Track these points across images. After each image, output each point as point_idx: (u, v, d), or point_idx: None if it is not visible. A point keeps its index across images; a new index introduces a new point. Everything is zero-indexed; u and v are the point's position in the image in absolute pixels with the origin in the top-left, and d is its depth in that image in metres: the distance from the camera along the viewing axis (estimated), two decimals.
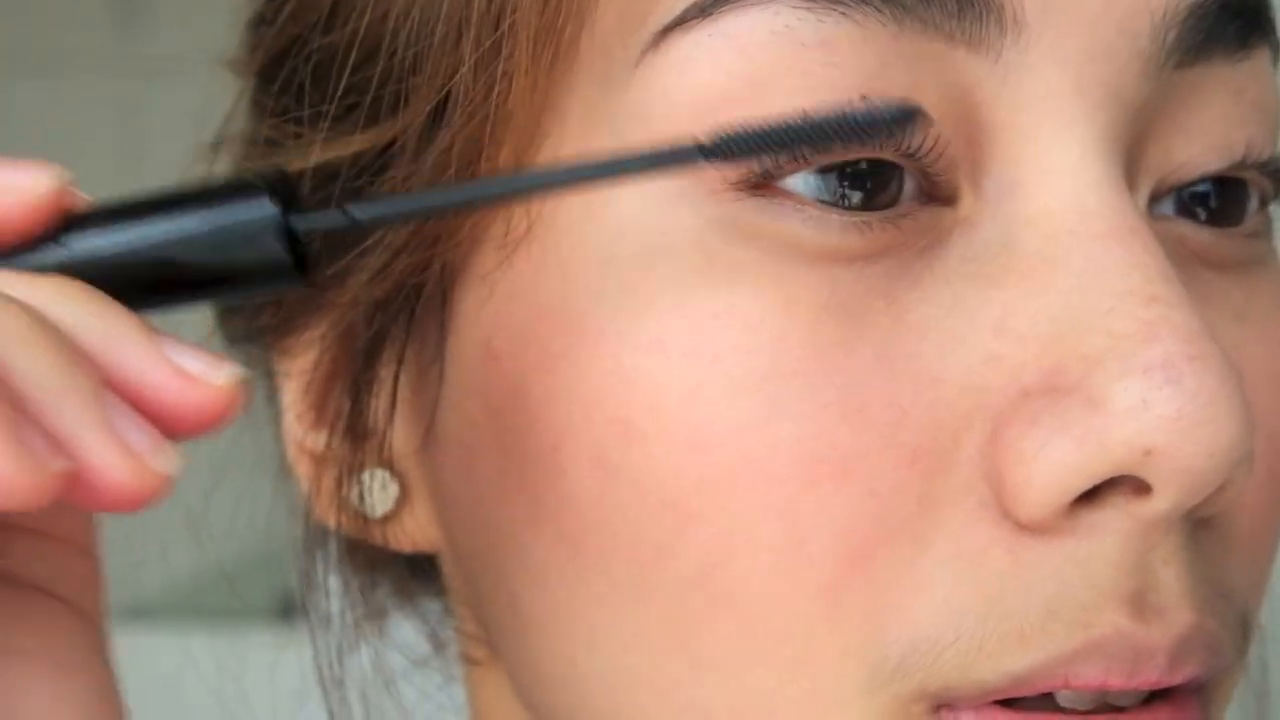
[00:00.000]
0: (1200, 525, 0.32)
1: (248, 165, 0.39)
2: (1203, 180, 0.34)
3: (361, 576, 0.43)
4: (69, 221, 0.28)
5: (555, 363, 0.32)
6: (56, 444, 0.25)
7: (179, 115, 0.41)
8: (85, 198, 0.29)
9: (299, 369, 0.38)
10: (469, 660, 0.41)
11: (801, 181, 0.31)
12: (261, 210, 0.28)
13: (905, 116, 0.29)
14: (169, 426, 0.27)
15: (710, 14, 0.31)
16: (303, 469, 0.38)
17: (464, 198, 0.30)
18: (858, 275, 0.31)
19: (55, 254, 0.28)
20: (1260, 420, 0.33)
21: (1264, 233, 0.36)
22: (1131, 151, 0.33)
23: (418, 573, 0.44)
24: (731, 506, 0.31)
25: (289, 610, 0.42)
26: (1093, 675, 0.31)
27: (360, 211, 0.29)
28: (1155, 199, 0.34)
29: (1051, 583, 0.31)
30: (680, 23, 0.31)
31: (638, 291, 0.32)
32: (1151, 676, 0.31)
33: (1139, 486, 0.30)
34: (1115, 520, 0.31)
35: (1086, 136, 0.32)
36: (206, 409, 0.27)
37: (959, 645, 0.31)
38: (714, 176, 0.31)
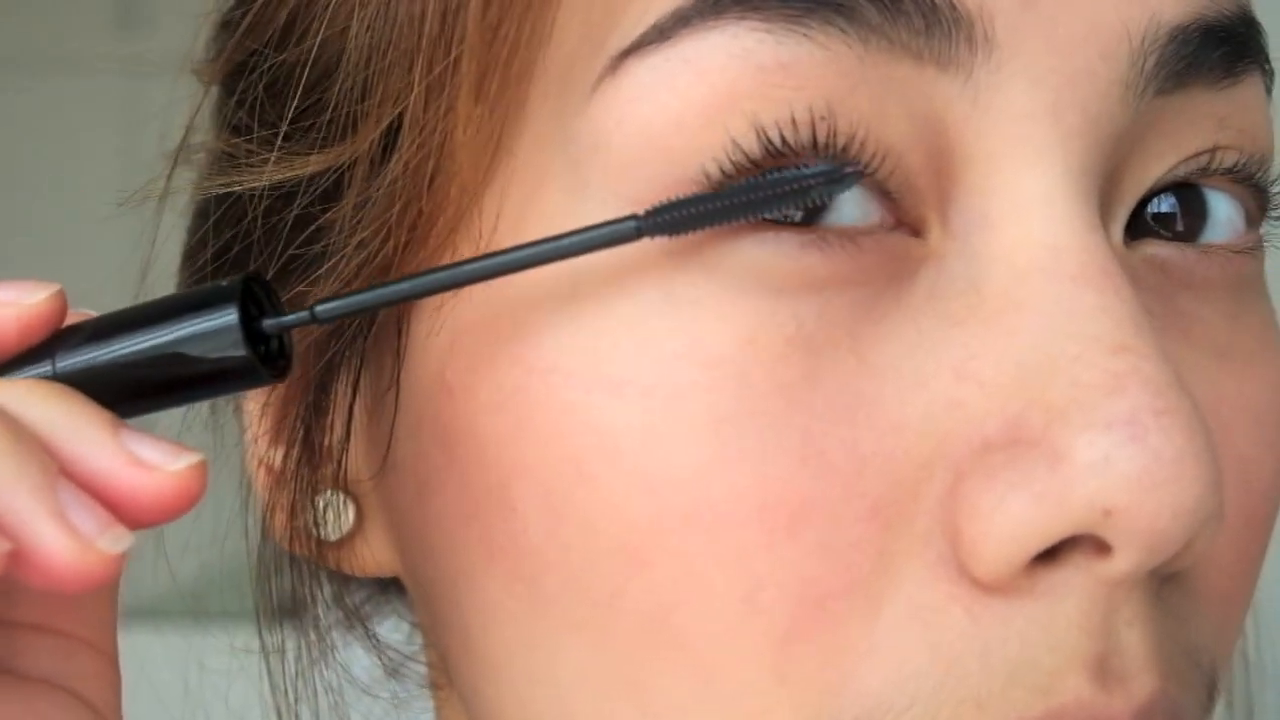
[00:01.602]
0: (1167, 581, 0.31)
1: (208, 180, 0.39)
2: (1163, 192, 0.33)
3: (331, 589, 0.43)
4: (58, 336, 0.31)
5: (508, 399, 0.32)
6: (1, 527, 0.26)
7: (179, 116, 0.41)
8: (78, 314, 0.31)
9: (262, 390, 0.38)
10: (434, 684, 0.41)
11: None
12: (227, 317, 0.30)
13: (838, 177, 0.29)
14: (127, 512, 0.28)
15: (668, 38, 0.30)
16: (260, 485, 0.38)
17: (419, 287, 0.31)
18: (821, 308, 0.30)
19: (42, 369, 0.30)
20: (1236, 466, 0.32)
21: (1251, 252, 0.35)
22: (1108, 182, 0.32)
23: (386, 590, 0.44)
24: (685, 552, 0.30)
25: (297, 611, 0.42)
26: None
27: (323, 308, 0.31)
28: (1130, 225, 0.33)
29: (1012, 645, 0.30)
30: (637, 48, 0.31)
31: (594, 329, 0.31)
32: None
33: (1100, 545, 0.29)
34: (1076, 580, 0.30)
35: (1059, 166, 0.31)
36: (162, 494, 0.28)
37: (913, 712, 0.30)
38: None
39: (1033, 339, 0.30)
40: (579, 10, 0.32)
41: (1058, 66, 0.31)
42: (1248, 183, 0.34)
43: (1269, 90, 0.35)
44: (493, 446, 0.32)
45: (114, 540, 0.27)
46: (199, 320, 0.30)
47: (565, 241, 0.30)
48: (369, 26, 0.33)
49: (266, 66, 0.36)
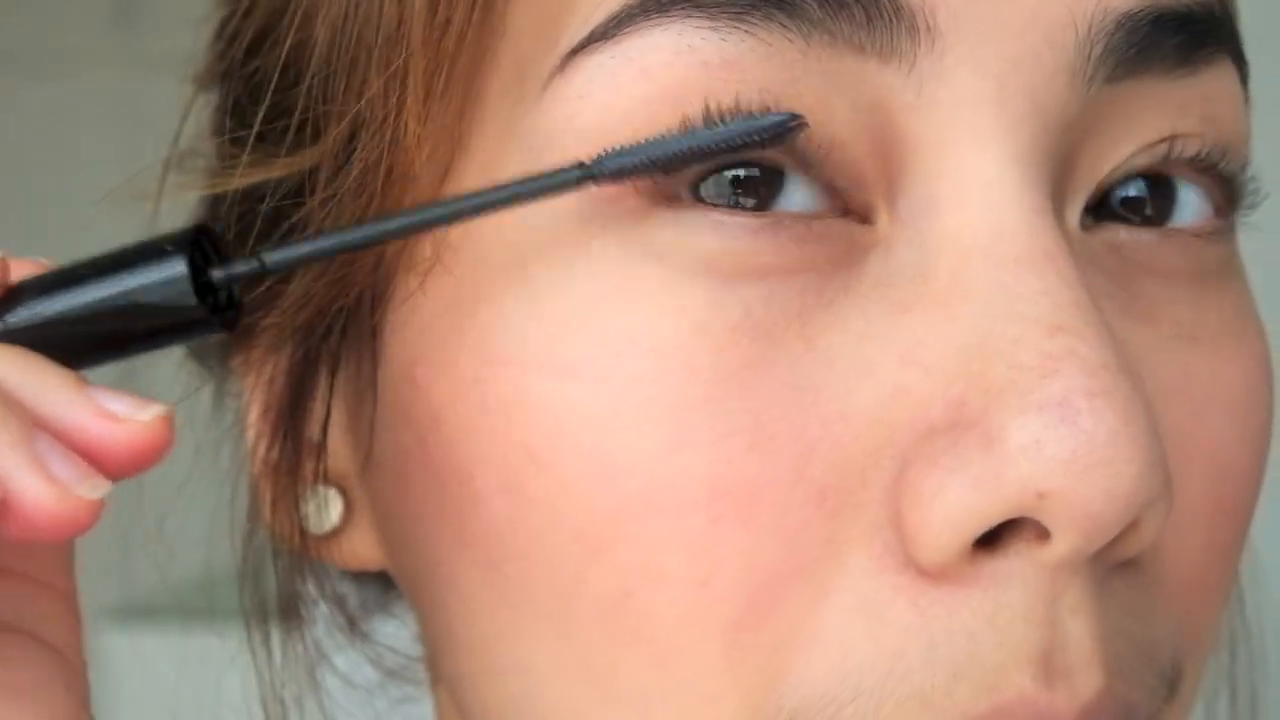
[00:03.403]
0: (1121, 570, 0.31)
1: (209, 180, 0.39)
2: (1131, 179, 0.33)
3: (327, 588, 0.43)
4: (8, 294, 0.31)
5: (468, 388, 0.32)
6: None
7: (178, 113, 0.41)
8: (25, 263, 0.32)
9: (250, 384, 0.38)
10: (432, 679, 0.41)
11: (711, 186, 0.31)
12: (175, 268, 0.30)
13: (784, 126, 0.29)
14: (101, 464, 0.29)
15: (612, 37, 0.31)
16: (255, 479, 0.39)
17: (368, 235, 0.31)
18: (770, 293, 0.30)
19: None
20: (1206, 450, 0.32)
21: (1218, 237, 0.34)
22: (1061, 168, 0.32)
23: (389, 590, 0.44)
24: (640, 537, 0.30)
25: (289, 611, 0.42)
26: None
27: (272, 256, 0.31)
28: (1090, 209, 0.33)
29: (958, 640, 0.30)
30: (585, 46, 0.31)
31: (548, 316, 0.31)
32: None
33: (1040, 530, 0.29)
34: (1019, 566, 0.30)
35: (1006, 152, 0.31)
36: (134, 444, 0.29)
37: (856, 705, 0.30)
38: (624, 192, 0.31)
39: (974, 322, 0.30)
40: (530, 9, 0.32)
41: (1001, 54, 0.31)
42: (1211, 172, 0.34)
43: (1244, 80, 0.35)
44: (458, 436, 0.33)
45: (93, 487, 0.28)
46: (148, 272, 0.30)
47: (509, 190, 0.30)
48: (331, 29, 0.34)
49: (244, 72, 0.37)
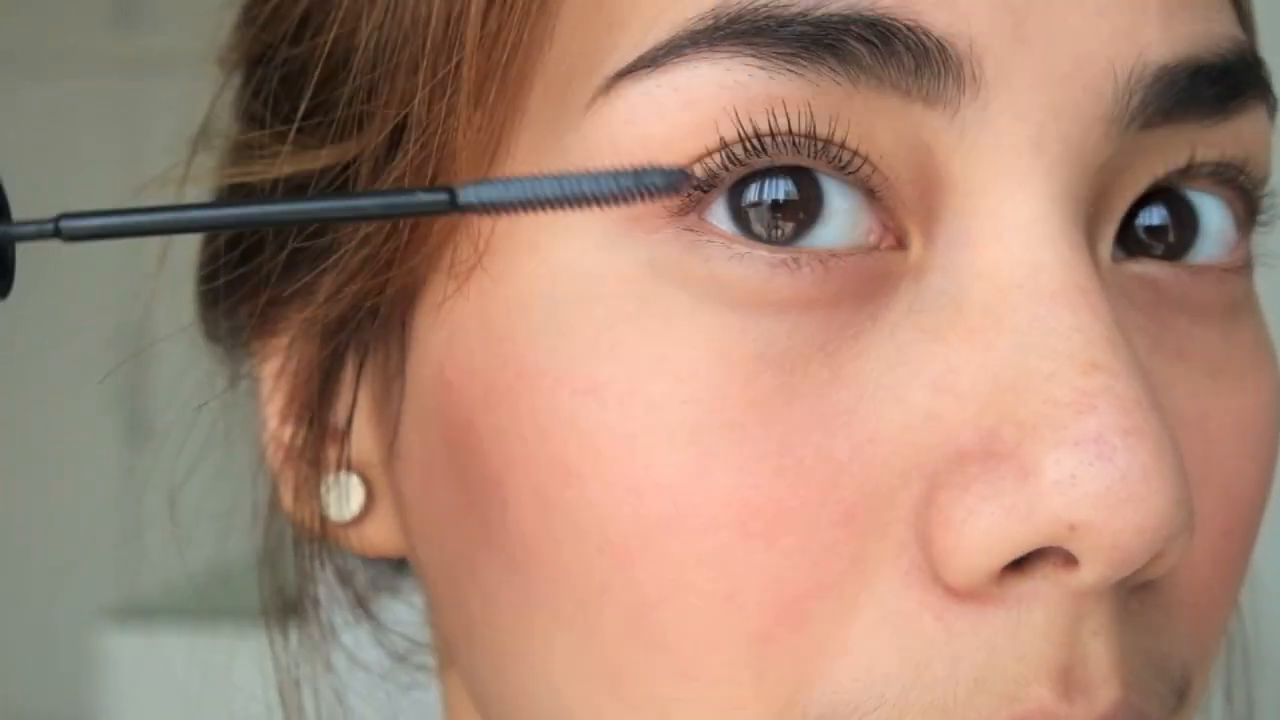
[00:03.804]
0: (1138, 590, 0.32)
1: (225, 169, 0.39)
2: (1152, 201, 0.34)
3: (339, 576, 0.43)
4: None
5: (500, 398, 0.32)
6: None
7: (178, 113, 0.41)
8: None
9: (272, 371, 0.38)
10: (442, 664, 0.41)
11: (726, 216, 0.31)
12: None
13: (670, 180, 0.28)
14: None
15: (661, 65, 0.31)
16: (274, 465, 0.39)
17: (181, 220, 0.29)
18: (792, 327, 0.31)
19: None
20: (1217, 476, 0.33)
21: (1243, 272, 0.35)
22: (1094, 207, 0.32)
23: (398, 572, 0.44)
24: (666, 553, 0.31)
25: (290, 610, 0.43)
26: None
27: (70, 224, 0.29)
28: (1120, 241, 0.33)
29: (981, 654, 0.30)
30: (631, 71, 0.31)
31: (576, 334, 0.32)
32: None
33: (1068, 557, 0.30)
34: (1044, 589, 0.30)
35: (1043, 192, 0.31)
36: None
37: (879, 714, 0.31)
38: (652, 214, 0.31)
39: (1009, 354, 0.30)
40: (579, 25, 0.32)
41: (1043, 102, 0.31)
42: (1232, 184, 0.35)
43: (1272, 118, 0.35)
44: (488, 443, 0.33)
45: None
46: None
47: (367, 201, 0.28)
48: (376, 29, 0.34)
49: (281, 60, 0.37)
